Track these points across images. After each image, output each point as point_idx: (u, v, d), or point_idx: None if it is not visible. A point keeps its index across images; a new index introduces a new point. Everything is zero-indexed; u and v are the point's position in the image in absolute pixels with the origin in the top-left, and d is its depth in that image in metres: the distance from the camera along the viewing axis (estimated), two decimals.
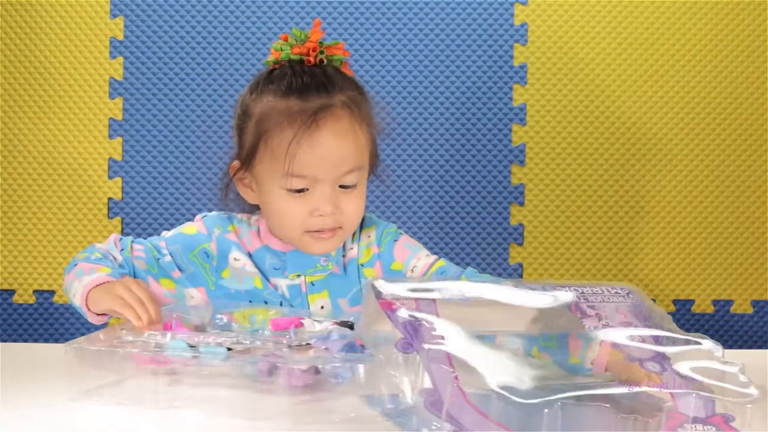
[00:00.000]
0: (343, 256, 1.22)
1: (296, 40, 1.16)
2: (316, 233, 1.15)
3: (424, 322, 0.74)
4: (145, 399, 0.84)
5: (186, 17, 2.02)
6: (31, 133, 2.02)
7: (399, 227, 1.29)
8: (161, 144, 2.02)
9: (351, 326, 0.97)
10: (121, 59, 2.02)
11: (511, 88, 2.04)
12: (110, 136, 2.02)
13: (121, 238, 1.23)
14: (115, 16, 2.01)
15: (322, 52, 1.16)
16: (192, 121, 2.02)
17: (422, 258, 1.23)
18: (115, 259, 1.19)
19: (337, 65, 1.18)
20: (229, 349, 0.87)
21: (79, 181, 2.02)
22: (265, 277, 1.20)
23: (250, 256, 1.21)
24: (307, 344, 0.89)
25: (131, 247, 1.21)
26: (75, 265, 1.17)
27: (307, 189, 1.13)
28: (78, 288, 1.12)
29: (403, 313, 0.75)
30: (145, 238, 1.24)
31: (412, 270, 1.22)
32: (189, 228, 1.24)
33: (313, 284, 1.20)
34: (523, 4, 2.04)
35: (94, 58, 2.02)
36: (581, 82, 2.05)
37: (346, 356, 0.84)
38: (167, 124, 2.02)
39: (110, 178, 2.02)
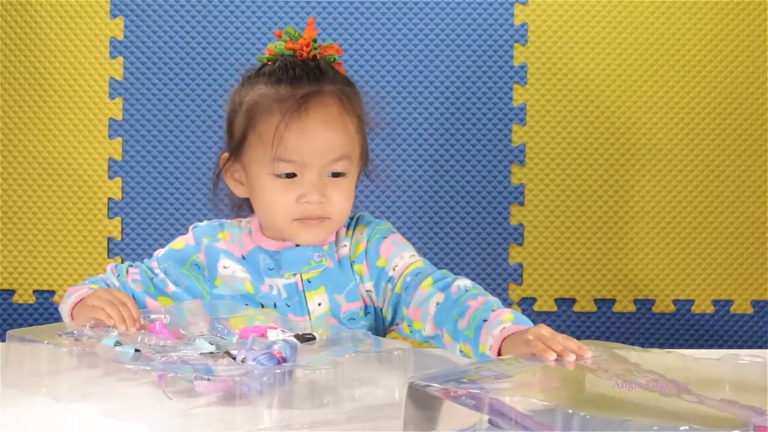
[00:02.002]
0: (336, 252, 1.22)
1: (290, 38, 1.17)
2: (304, 220, 1.15)
3: (493, 399, 0.72)
4: (62, 392, 0.87)
5: (186, 17, 2.02)
6: (31, 133, 2.02)
7: (399, 227, 1.29)
8: (161, 144, 2.02)
9: (310, 339, 0.97)
10: (121, 59, 2.02)
11: (511, 88, 2.04)
12: (110, 136, 2.02)
13: (116, 266, 1.25)
14: (115, 16, 2.01)
15: (315, 48, 1.17)
16: (192, 121, 2.02)
17: (405, 258, 1.21)
18: (112, 284, 1.22)
19: (330, 62, 1.19)
20: (137, 351, 0.90)
21: (79, 181, 2.02)
22: (260, 279, 1.20)
23: (243, 259, 1.21)
24: (226, 353, 0.90)
25: (127, 272, 1.23)
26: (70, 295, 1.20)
27: (295, 175, 1.14)
28: (64, 309, 1.16)
29: (468, 401, 0.72)
30: (141, 262, 1.26)
31: (393, 269, 1.19)
32: (178, 243, 1.25)
33: (309, 281, 1.20)
34: (523, 4, 2.04)
35: (94, 58, 2.02)
36: (581, 82, 2.05)
37: (259, 367, 0.83)
38: (167, 124, 2.02)
39: (110, 178, 2.02)
